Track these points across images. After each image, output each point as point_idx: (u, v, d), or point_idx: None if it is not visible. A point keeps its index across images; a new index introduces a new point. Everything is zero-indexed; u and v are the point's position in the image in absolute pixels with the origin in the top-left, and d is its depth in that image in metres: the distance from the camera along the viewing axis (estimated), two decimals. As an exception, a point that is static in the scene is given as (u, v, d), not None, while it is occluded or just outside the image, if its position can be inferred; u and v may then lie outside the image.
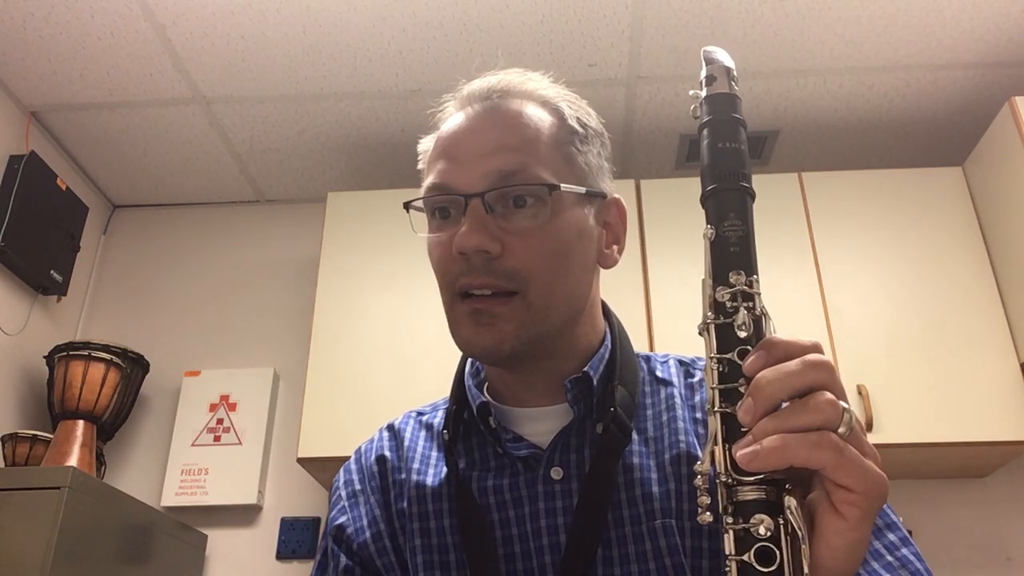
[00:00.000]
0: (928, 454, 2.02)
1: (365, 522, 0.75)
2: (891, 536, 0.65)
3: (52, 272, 2.34)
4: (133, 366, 2.27)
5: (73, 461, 2.00)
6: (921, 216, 2.23)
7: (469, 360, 0.80)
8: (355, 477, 0.79)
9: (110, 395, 2.17)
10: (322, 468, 2.10)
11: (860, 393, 1.99)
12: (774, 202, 2.27)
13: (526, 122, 0.71)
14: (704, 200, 0.54)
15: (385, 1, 2.02)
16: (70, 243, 2.45)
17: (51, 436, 2.07)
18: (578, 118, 0.74)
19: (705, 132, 0.55)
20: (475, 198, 0.67)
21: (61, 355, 2.17)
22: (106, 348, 2.19)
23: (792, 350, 0.48)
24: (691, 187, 2.66)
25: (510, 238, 0.67)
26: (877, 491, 0.47)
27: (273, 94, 2.31)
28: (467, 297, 0.68)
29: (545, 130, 0.71)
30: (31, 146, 2.34)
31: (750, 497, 0.47)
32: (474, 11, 2.06)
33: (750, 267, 0.51)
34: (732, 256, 0.51)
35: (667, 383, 0.76)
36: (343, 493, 0.79)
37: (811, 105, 2.38)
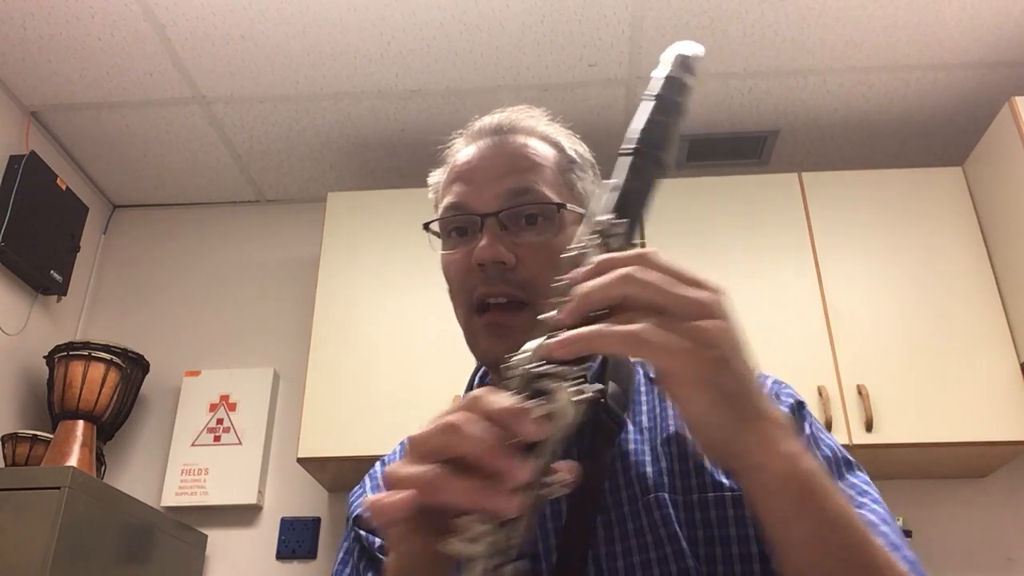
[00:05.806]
0: (928, 454, 2.02)
1: None
2: (853, 492, 0.67)
3: (52, 272, 2.34)
4: (133, 366, 2.27)
5: (73, 461, 2.00)
6: (921, 216, 2.23)
7: (478, 376, 0.85)
8: (382, 483, 0.82)
9: (110, 395, 2.17)
10: (322, 468, 2.10)
11: (860, 393, 1.99)
12: (774, 202, 2.27)
13: (533, 151, 0.79)
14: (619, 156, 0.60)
15: (385, 1, 2.02)
16: (70, 243, 2.45)
17: (51, 436, 2.07)
18: (575, 150, 0.83)
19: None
20: (491, 217, 0.75)
21: (61, 355, 2.17)
22: (106, 348, 2.20)
23: (616, 262, 0.52)
24: (691, 187, 2.65)
25: (522, 251, 0.74)
26: (692, 358, 0.48)
27: (273, 94, 2.31)
28: (484, 312, 0.74)
29: (550, 158, 0.80)
30: (31, 146, 2.34)
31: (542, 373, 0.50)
32: (474, 11, 2.06)
33: (626, 214, 0.58)
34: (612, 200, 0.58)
35: None
36: (368, 488, 0.82)
37: (811, 105, 2.38)
